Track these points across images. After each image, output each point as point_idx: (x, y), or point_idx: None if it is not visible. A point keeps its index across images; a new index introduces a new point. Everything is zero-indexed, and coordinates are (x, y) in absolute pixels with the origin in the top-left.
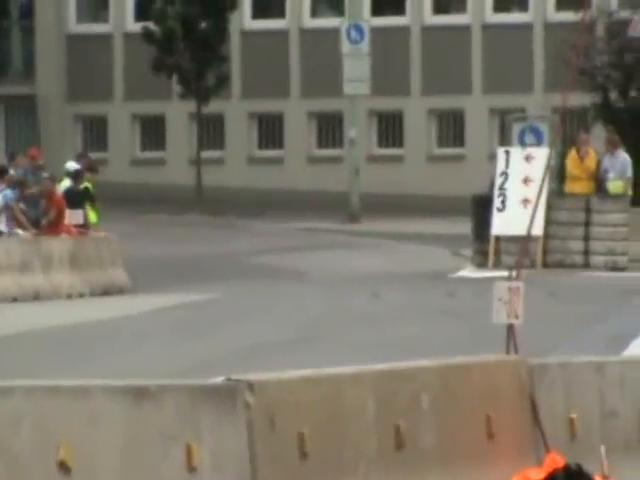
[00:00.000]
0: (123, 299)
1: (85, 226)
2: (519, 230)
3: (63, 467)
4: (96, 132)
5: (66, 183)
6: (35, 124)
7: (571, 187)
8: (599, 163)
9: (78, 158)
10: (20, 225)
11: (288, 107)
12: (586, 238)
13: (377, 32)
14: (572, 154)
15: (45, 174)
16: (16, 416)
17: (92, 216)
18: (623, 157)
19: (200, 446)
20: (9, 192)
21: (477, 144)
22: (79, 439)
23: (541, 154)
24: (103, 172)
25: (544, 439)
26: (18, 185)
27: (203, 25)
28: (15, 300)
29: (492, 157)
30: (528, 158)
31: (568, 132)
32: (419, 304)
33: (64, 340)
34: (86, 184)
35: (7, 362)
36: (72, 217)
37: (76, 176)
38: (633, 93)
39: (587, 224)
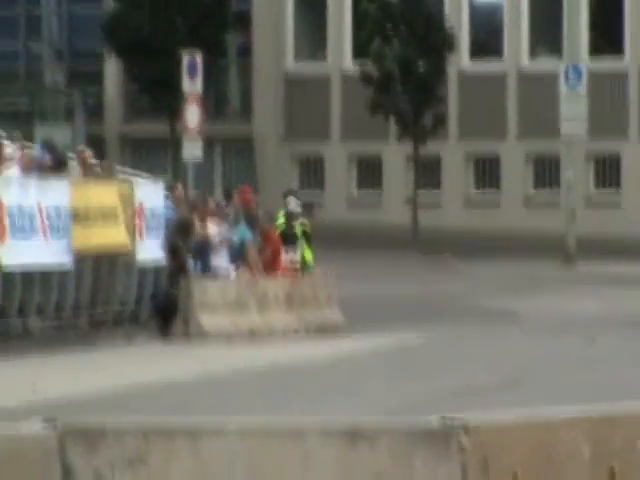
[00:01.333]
0: (337, 339)
1: (302, 266)
2: None
3: None
4: (312, 172)
5: (281, 222)
6: (252, 164)
7: None
8: None
9: (290, 195)
10: (250, 268)
11: (505, 148)
12: None
13: (595, 74)
14: None
15: (258, 213)
16: (229, 457)
17: (308, 256)
18: None
19: None
20: (247, 231)
21: None
22: None
23: None
24: (320, 213)
25: None
26: (253, 224)
27: (421, 66)
28: (230, 339)
29: None
30: None
31: None
32: (634, 349)
33: (278, 379)
34: (303, 223)
35: (223, 401)
36: (287, 257)
37: (292, 217)
38: None
39: None
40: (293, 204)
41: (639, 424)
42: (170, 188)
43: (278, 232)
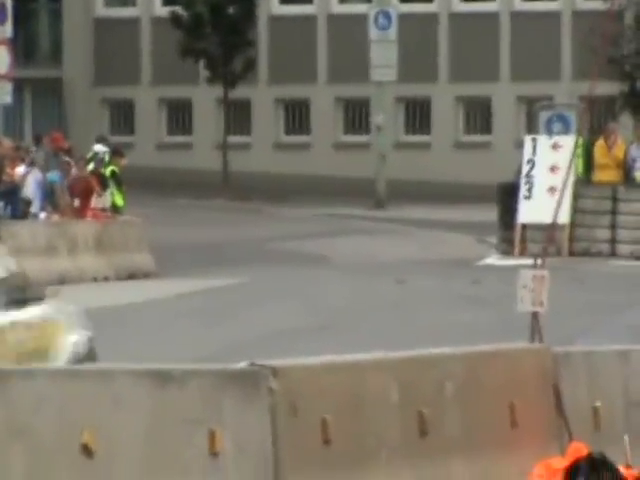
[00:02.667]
0: (148, 283)
1: (111, 210)
2: (545, 218)
3: (86, 450)
4: (123, 116)
5: (90, 166)
6: (62, 108)
7: (599, 176)
8: (626, 152)
9: (99, 141)
10: (59, 211)
11: (315, 93)
12: (612, 227)
13: (405, 18)
14: (600, 143)
15: (65, 158)
16: (39, 400)
17: (118, 200)
18: None
19: (223, 431)
20: (55, 174)
21: (504, 132)
22: (102, 423)
23: (568, 142)
24: (129, 156)
25: (568, 428)
26: (63, 169)
27: (231, 10)
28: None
29: (519, 145)
30: (555, 146)
31: (595, 121)
32: (444, 291)
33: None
34: (112, 167)
35: None
36: (97, 201)
37: (101, 159)
38: None
39: (613, 212)
40: (99, 148)
41: (447, 368)
42: None
43: (89, 175)
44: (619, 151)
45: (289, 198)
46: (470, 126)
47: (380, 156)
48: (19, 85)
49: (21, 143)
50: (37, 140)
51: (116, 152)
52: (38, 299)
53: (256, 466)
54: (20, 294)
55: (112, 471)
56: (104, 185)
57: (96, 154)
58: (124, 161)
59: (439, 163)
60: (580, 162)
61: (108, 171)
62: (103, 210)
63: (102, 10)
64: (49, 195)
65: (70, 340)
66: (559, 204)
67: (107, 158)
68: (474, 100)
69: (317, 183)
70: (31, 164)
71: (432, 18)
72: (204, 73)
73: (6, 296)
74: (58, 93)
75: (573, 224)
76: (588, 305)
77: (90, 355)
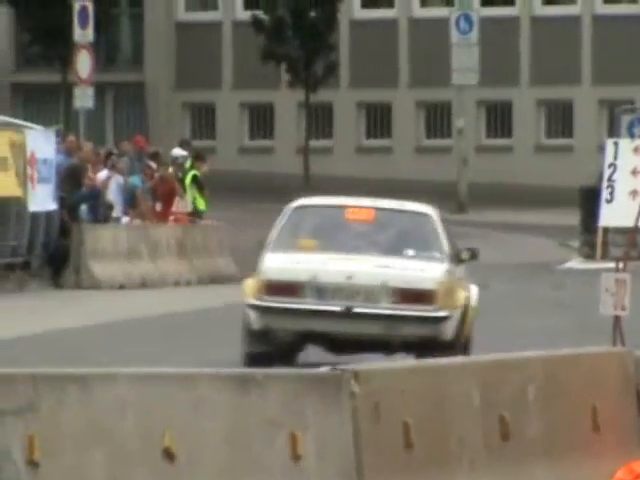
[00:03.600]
0: (230, 287)
1: (193, 214)
2: (627, 222)
3: (168, 454)
4: (204, 120)
5: (169, 170)
6: (143, 112)
7: None
8: None
9: (182, 145)
10: (141, 215)
11: (396, 97)
12: None
13: (487, 22)
14: None
15: (148, 162)
16: (121, 403)
17: (200, 203)
18: None
19: (305, 435)
20: (136, 179)
21: (586, 135)
22: (184, 426)
23: None
24: (211, 160)
25: None
26: (145, 172)
27: (312, 14)
28: (122, 287)
29: (601, 148)
30: (637, 150)
31: None
32: (526, 295)
33: (172, 328)
34: (194, 172)
35: (114, 349)
36: (179, 204)
37: (180, 164)
38: None
39: None
40: (176, 152)
41: (529, 372)
42: (63, 137)
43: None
44: None
45: None
46: (552, 129)
47: (462, 160)
48: (101, 89)
49: (103, 147)
50: (119, 145)
51: (198, 157)
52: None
53: (338, 470)
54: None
55: (194, 475)
56: (182, 189)
57: (175, 158)
58: (206, 167)
59: (521, 166)
60: None
61: (190, 176)
62: (185, 214)
63: (183, 14)
64: (131, 199)
65: (475, 291)
66: None
67: (187, 163)
68: (555, 103)
69: (399, 187)
70: (112, 167)
71: (514, 21)
72: (285, 77)
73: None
74: (140, 97)
75: None
76: None
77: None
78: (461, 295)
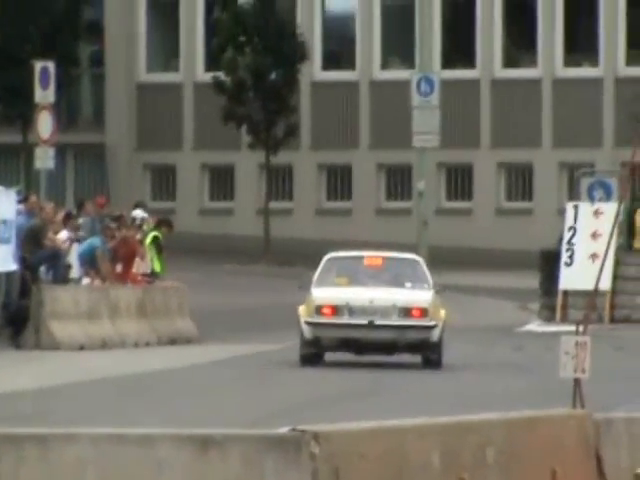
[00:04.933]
0: (190, 349)
1: (151, 275)
2: (587, 285)
3: None
4: (165, 181)
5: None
6: (104, 172)
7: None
8: None
9: (137, 206)
10: (101, 276)
11: (357, 159)
12: None
13: (447, 85)
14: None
15: (110, 224)
16: (81, 464)
17: (157, 266)
18: None
19: None
20: (97, 240)
21: (546, 198)
22: None
23: (610, 209)
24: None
25: None
26: (105, 233)
27: (273, 76)
28: (82, 348)
29: (561, 211)
30: (597, 213)
31: (638, 187)
32: (486, 357)
33: (130, 389)
34: (156, 233)
35: (73, 409)
36: (139, 266)
37: (139, 225)
38: None
39: None
40: (138, 214)
41: (489, 434)
42: (25, 198)
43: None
44: None
45: None
46: (512, 192)
47: (422, 222)
48: (62, 150)
49: (64, 208)
50: (80, 205)
51: (165, 222)
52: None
53: None
54: None
55: None
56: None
57: (134, 220)
58: (171, 232)
59: (481, 229)
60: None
61: (150, 237)
62: (145, 275)
63: (144, 75)
64: (90, 260)
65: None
66: (601, 271)
67: (146, 224)
68: (516, 166)
69: (359, 249)
70: (76, 229)
71: (474, 84)
72: (246, 138)
73: None
74: (100, 158)
75: (614, 291)
76: (630, 372)
77: None
78: (441, 312)
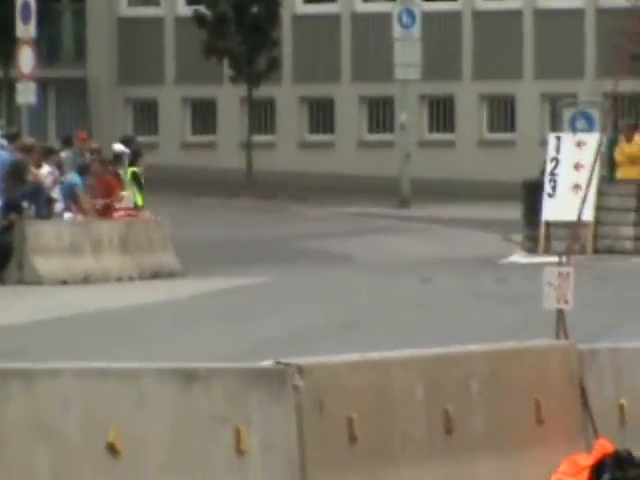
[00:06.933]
0: (173, 283)
1: (135, 209)
2: (569, 216)
3: (112, 450)
4: (147, 116)
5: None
6: (86, 107)
7: (618, 173)
8: None
9: (124, 141)
10: (82, 212)
11: (339, 92)
12: (636, 224)
13: (429, 17)
14: (620, 140)
15: (87, 158)
16: (65, 399)
17: (139, 199)
18: None
19: (249, 429)
20: (75, 177)
21: (528, 129)
22: (128, 422)
23: (592, 140)
24: (153, 156)
25: (593, 425)
26: (83, 170)
27: (255, 9)
28: (65, 283)
29: (543, 143)
30: (579, 144)
31: (620, 118)
32: (469, 289)
33: (113, 323)
34: (133, 169)
35: (56, 344)
36: (122, 200)
37: (120, 160)
38: None
39: (637, 210)
40: (117, 149)
41: (472, 365)
42: (15, 135)
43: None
44: (631, 148)
45: (313, 197)
46: (494, 124)
47: (404, 154)
48: (43, 85)
49: (46, 143)
50: (66, 141)
51: (135, 154)
52: None
53: (283, 464)
54: None
55: (138, 471)
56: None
57: (115, 154)
58: (142, 164)
59: (463, 161)
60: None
61: (129, 172)
62: (128, 209)
63: (126, 10)
64: (71, 196)
65: None
66: (583, 201)
67: (126, 159)
68: (498, 98)
69: (341, 182)
70: (59, 165)
71: (456, 16)
72: (228, 72)
73: None
74: (82, 93)
75: (597, 222)
76: (613, 302)
77: None
78: None
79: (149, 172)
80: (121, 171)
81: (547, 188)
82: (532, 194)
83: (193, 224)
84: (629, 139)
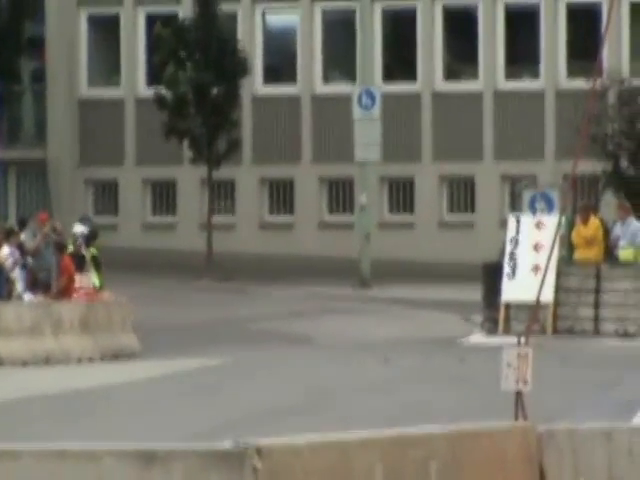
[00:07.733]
0: (133, 364)
1: (93, 289)
2: (529, 297)
3: None
4: (107, 196)
5: (70, 248)
6: (46, 188)
7: (576, 254)
8: (606, 230)
9: (82, 221)
10: (48, 290)
11: (299, 173)
12: (596, 305)
13: (389, 98)
14: (577, 222)
15: (54, 237)
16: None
17: (96, 280)
18: (634, 225)
19: None
20: (29, 258)
21: (488, 211)
22: None
23: (551, 221)
24: (114, 237)
25: None
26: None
27: (215, 91)
28: (25, 364)
29: (503, 224)
30: (539, 225)
31: (579, 199)
32: (429, 370)
33: (73, 405)
34: (92, 251)
35: (17, 426)
36: (83, 280)
37: (84, 239)
38: None
39: (597, 291)
40: (78, 229)
41: (432, 447)
42: None
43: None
44: (587, 230)
45: (274, 278)
46: (454, 205)
47: (364, 235)
48: (4, 166)
49: (6, 224)
50: (22, 223)
51: (90, 235)
52: None
53: None
54: None
55: None
56: (82, 267)
57: (76, 235)
58: (98, 244)
59: (423, 242)
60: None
61: (88, 252)
62: (88, 290)
63: (86, 91)
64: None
65: None
66: (543, 282)
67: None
68: (458, 179)
69: (301, 263)
70: (20, 246)
71: (415, 97)
72: (188, 153)
73: None
74: (42, 174)
75: (557, 302)
76: (572, 383)
77: None
78: None
79: (107, 253)
80: (84, 252)
81: (507, 269)
82: (492, 275)
83: (153, 305)
84: (585, 221)
